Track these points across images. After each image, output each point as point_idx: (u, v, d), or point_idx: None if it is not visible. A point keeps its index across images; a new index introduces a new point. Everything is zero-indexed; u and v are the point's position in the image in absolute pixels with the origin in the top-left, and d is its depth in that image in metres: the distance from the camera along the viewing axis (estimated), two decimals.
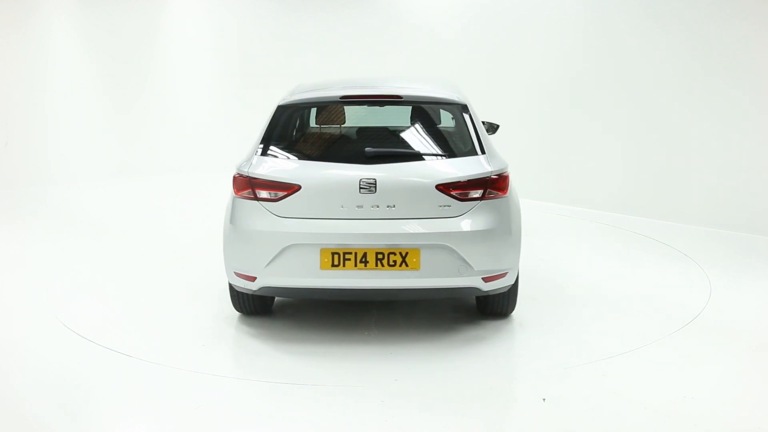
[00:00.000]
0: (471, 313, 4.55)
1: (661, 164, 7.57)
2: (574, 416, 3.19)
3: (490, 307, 4.34)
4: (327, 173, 3.92)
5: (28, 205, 8.41)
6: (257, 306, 4.37)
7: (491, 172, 3.92)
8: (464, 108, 4.26)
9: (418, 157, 4.02)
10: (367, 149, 4.06)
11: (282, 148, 4.15)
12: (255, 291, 3.96)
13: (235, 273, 3.99)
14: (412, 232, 3.78)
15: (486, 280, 3.89)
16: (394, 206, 3.80)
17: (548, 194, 8.41)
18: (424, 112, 4.49)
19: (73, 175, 9.87)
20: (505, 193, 3.99)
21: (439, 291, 3.92)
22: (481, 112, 6.25)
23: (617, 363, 3.78)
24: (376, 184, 3.79)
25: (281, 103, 4.31)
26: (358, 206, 3.80)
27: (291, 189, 3.85)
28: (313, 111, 4.92)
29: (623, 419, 3.16)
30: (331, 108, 4.86)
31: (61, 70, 10.17)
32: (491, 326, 4.33)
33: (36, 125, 9.88)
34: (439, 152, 4.10)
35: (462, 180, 3.85)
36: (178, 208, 8.32)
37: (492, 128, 6.01)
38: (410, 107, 4.48)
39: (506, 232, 3.94)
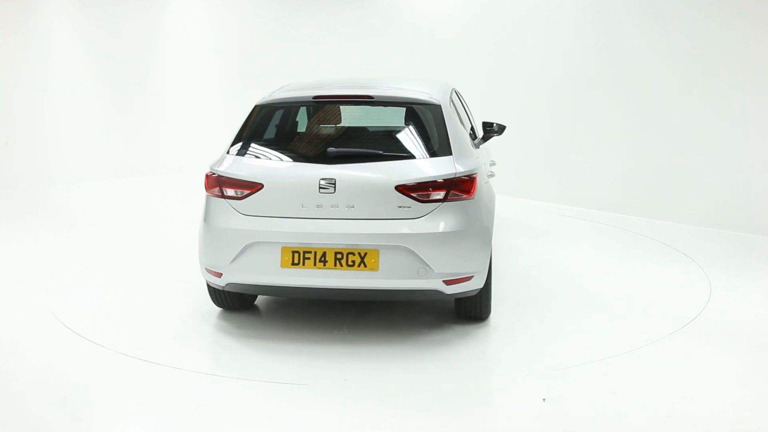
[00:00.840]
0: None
1: (661, 164, 7.57)
2: (574, 416, 3.19)
3: (463, 310, 4.29)
4: (288, 172, 3.97)
5: (28, 205, 8.41)
6: (234, 301, 4.43)
7: (455, 174, 3.85)
8: (437, 108, 4.18)
9: (380, 157, 3.94)
10: (329, 149, 4.06)
11: (253, 147, 4.18)
12: (223, 287, 4.04)
13: (206, 269, 4.07)
14: (370, 232, 3.75)
15: (448, 283, 3.83)
16: (353, 206, 3.80)
17: (548, 194, 8.41)
18: (407, 112, 4.46)
19: (73, 175, 9.88)
20: (471, 195, 3.90)
21: (399, 293, 3.88)
22: (481, 112, 6.27)
23: (617, 363, 3.78)
24: (335, 184, 3.79)
25: (258, 102, 4.38)
26: (317, 206, 3.81)
27: (254, 188, 3.90)
28: (301, 110, 4.91)
29: (623, 419, 3.16)
30: (327, 108, 4.85)
31: (61, 70, 10.17)
32: (489, 325, 4.34)
33: (36, 125, 9.88)
34: (405, 153, 4.01)
35: (422, 181, 3.80)
36: (178, 208, 8.31)
37: (499, 129, 5.98)
38: (403, 108, 4.46)
39: (470, 234, 3.87)
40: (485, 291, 4.15)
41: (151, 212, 8.07)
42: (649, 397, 3.37)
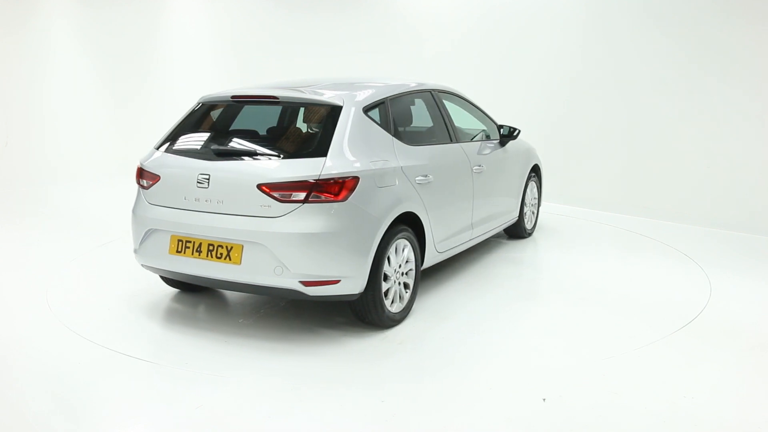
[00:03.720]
0: (467, 312, 4.56)
1: (661, 164, 7.57)
2: (574, 416, 3.19)
3: (357, 315, 4.23)
4: (177, 166, 4.23)
5: (28, 205, 8.41)
6: (176, 282, 4.78)
7: (318, 175, 3.82)
8: (336, 109, 4.15)
9: (253, 155, 4.06)
10: (212, 147, 4.30)
11: (173, 142, 4.44)
12: (142, 266, 4.44)
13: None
14: (233, 227, 3.90)
15: (306, 284, 3.83)
16: (222, 202, 3.97)
17: (548, 194, 8.40)
18: (309, 112, 4.44)
19: (73, 175, 9.88)
20: (341, 198, 3.86)
21: (260, 288, 3.98)
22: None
23: (617, 363, 3.78)
24: (209, 179, 4.00)
25: (200, 99, 4.68)
26: (196, 199, 4.06)
27: (154, 179, 4.29)
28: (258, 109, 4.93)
29: (623, 419, 3.16)
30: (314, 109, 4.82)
31: (61, 70, 10.17)
32: (487, 325, 4.34)
33: (36, 125, 9.88)
34: (277, 152, 4.05)
35: (280, 181, 3.83)
36: None
37: (510, 134, 5.88)
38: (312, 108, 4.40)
39: (332, 238, 3.82)
40: (372, 297, 4.07)
41: None
42: (649, 397, 3.37)
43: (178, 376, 3.64)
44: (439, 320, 4.42)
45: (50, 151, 9.95)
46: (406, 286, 4.40)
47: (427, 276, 5.22)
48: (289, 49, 10.99)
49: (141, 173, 4.42)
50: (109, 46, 10.71)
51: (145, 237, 4.29)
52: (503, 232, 6.53)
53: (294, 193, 3.82)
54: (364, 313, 4.17)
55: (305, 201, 3.81)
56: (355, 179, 3.93)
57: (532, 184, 6.58)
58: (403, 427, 3.10)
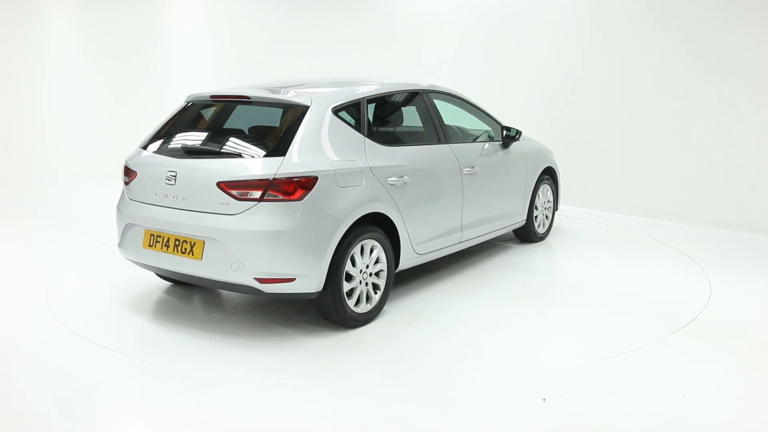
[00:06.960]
0: (444, 315, 4.56)
1: (662, 164, 7.57)
2: (574, 416, 3.19)
3: (319, 312, 4.26)
4: (152, 163, 4.36)
5: (28, 205, 8.41)
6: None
7: (273, 175, 3.85)
8: (302, 109, 4.17)
9: (218, 154, 4.15)
10: (182, 145, 4.40)
11: (156, 139, 4.56)
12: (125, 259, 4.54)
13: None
14: (196, 224, 4.00)
15: (262, 281, 3.87)
16: (186, 199, 4.08)
17: None
18: (280, 112, 4.43)
19: (73, 175, 9.88)
20: (296, 197, 3.87)
21: (219, 283, 4.07)
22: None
23: (617, 363, 3.78)
24: (176, 176, 4.12)
25: (187, 97, 4.77)
26: (165, 195, 4.19)
27: (132, 176, 4.44)
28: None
29: (623, 420, 3.16)
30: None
31: (61, 70, 10.17)
32: (487, 326, 4.34)
33: (36, 125, 9.88)
34: (245, 151, 4.08)
35: (237, 180, 3.89)
36: None
37: (510, 136, 5.80)
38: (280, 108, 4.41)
39: (286, 237, 3.84)
40: (333, 297, 4.07)
41: None
42: (649, 397, 3.37)
43: (179, 375, 3.63)
44: (411, 321, 4.38)
45: (50, 151, 9.94)
46: (375, 287, 4.38)
47: (413, 277, 5.22)
48: (289, 49, 10.97)
49: (126, 170, 4.54)
50: (109, 46, 10.72)
51: (125, 231, 4.43)
52: (514, 236, 6.50)
53: (251, 192, 3.88)
54: (325, 312, 4.19)
55: (261, 199, 3.86)
56: (313, 179, 3.95)
57: (546, 188, 6.44)
58: (403, 427, 3.10)
